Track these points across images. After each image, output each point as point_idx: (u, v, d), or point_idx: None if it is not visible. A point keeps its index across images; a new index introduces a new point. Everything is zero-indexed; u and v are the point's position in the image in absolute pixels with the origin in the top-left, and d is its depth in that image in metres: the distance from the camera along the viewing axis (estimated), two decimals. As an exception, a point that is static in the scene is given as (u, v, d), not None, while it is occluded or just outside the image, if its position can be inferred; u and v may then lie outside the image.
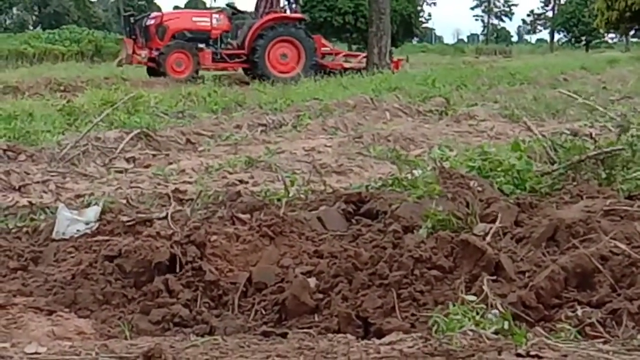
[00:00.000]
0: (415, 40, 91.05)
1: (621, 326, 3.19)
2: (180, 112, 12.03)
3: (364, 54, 28.53)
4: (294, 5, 25.77)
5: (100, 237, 4.87)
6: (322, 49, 25.92)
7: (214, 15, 24.96)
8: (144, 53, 23.53)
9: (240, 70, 25.92)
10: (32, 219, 5.73)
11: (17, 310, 3.67)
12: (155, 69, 23.42)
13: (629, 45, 78.81)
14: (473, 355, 2.81)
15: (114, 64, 23.56)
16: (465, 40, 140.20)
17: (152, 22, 24.24)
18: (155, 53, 23.44)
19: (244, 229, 4.66)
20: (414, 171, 6.20)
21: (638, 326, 3.18)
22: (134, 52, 23.73)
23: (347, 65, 25.53)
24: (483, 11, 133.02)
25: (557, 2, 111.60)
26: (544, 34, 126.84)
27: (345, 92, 15.37)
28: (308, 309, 3.69)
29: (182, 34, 24.06)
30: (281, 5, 25.53)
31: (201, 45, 23.85)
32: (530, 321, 3.35)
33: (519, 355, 2.81)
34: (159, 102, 12.54)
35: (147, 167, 8.26)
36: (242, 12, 26.19)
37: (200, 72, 24.11)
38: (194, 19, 24.89)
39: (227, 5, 27.58)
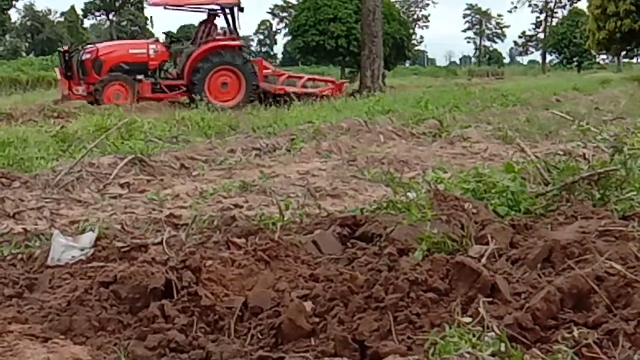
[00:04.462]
0: (407, 63, 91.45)
1: (618, 347, 3.19)
2: (174, 137, 12.05)
3: (309, 77, 28.17)
4: (232, 30, 25.08)
5: (95, 264, 4.86)
6: (264, 71, 25.41)
7: (150, 46, 24.37)
8: (81, 89, 23.01)
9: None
10: (27, 246, 5.71)
11: (13, 337, 3.65)
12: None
13: (621, 66, 79.23)
14: (470, 377, 2.81)
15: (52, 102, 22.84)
16: (458, 62, 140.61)
17: (88, 56, 23.66)
18: (92, 88, 22.86)
19: (240, 253, 4.65)
20: (409, 194, 6.20)
21: (634, 347, 3.18)
22: (70, 89, 23.16)
23: (290, 89, 24.86)
24: (475, 33, 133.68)
25: (548, 23, 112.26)
26: (536, 56, 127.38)
27: (339, 115, 15.42)
28: (304, 332, 3.68)
29: (119, 66, 23.44)
30: (219, 31, 25.09)
31: (140, 77, 23.35)
32: (526, 343, 3.34)
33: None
34: (152, 128, 12.55)
35: (141, 192, 8.24)
36: (179, 40, 25.90)
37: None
38: (131, 50, 24.30)
39: (165, 33, 27.16)
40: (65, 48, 24.91)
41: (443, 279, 3.90)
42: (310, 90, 25.36)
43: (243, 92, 24.09)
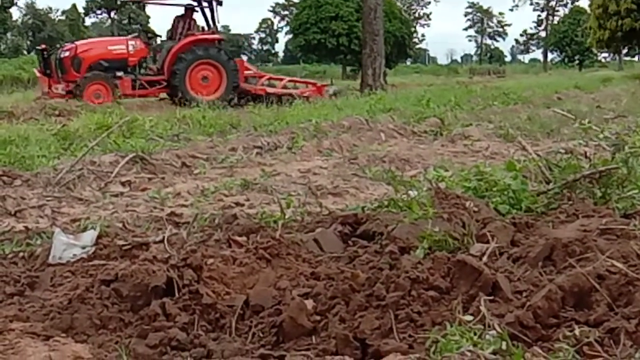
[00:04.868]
0: (409, 61, 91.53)
1: (619, 345, 3.19)
2: (175, 135, 12.04)
3: (290, 78, 28.12)
4: (212, 26, 25.12)
5: (96, 262, 4.86)
6: (245, 72, 25.44)
7: (129, 42, 24.37)
8: (61, 87, 22.93)
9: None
10: (28, 244, 5.72)
11: (14, 335, 3.66)
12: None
13: (622, 64, 79.24)
14: (471, 376, 2.81)
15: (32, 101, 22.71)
16: (459, 60, 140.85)
17: (67, 54, 23.61)
18: (72, 86, 22.75)
19: (241, 251, 4.65)
20: (410, 192, 6.20)
21: (636, 345, 3.18)
22: (50, 87, 23.13)
23: (270, 90, 24.88)
24: (476, 32, 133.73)
25: (549, 22, 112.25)
26: (537, 54, 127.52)
27: (340, 113, 15.40)
28: (305, 331, 3.68)
29: (99, 63, 23.35)
30: (199, 28, 25.16)
31: (119, 74, 23.32)
32: (528, 341, 3.34)
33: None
34: (153, 126, 12.54)
35: (142, 190, 8.24)
36: (159, 36, 25.88)
37: None
38: (110, 47, 24.19)
39: (142, 30, 27.06)
40: (43, 47, 24.88)
41: (444, 277, 3.90)
42: (290, 91, 25.32)
43: (224, 87, 24.08)
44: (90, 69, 23.28)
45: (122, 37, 26.87)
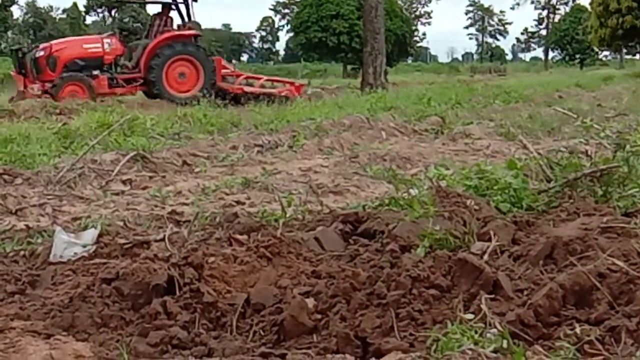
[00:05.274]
0: (410, 60, 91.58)
1: (620, 344, 3.19)
2: (176, 133, 12.05)
3: (267, 78, 28.08)
4: (187, 22, 25.01)
5: (97, 260, 4.86)
6: (223, 70, 25.36)
7: (104, 40, 24.25)
8: (37, 87, 22.66)
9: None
10: (29, 243, 5.72)
11: (15, 334, 3.65)
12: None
13: (623, 63, 79.23)
14: (472, 374, 2.81)
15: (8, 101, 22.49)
16: (460, 59, 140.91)
17: (42, 53, 23.44)
18: (48, 85, 22.63)
19: (242, 250, 4.65)
20: (411, 190, 6.19)
21: (637, 343, 3.18)
22: (25, 87, 22.96)
23: (248, 89, 24.82)
24: (477, 30, 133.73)
25: (550, 20, 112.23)
26: (538, 52, 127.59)
27: (341, 112, 15.41)
28: (306, 329, 3.68)
29: (74, 62, 23.24)
30: (174, 26, 25.06)
31: (95, 72, 23.24)
32: (529, 340, 3.34)
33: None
34: (154, 124, 12.55)
35: (143, 189, 8.25)
36: (135, 33, 25.74)
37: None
38: (85, 45, 24.09)
39: (119, 28, 27.03)
40: (18, 47, 24.81)
41: (445, 275, 3.90)
42: (268, 90, 25.27)
43: (201, 84, 24.00)
44: (65, 68, 23.20)
45: (97, 36, 26.69)
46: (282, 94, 24.37)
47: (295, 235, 5.12)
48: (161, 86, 23.60)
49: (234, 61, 46.85)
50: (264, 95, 23.62)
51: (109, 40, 24.28)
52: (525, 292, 3.71)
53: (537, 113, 15.35)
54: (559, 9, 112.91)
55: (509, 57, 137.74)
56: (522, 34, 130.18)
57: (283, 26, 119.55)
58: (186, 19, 24.98)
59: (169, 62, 23.93)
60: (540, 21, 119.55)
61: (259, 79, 26.95)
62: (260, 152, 10.68)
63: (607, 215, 4.87)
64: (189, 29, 24.80)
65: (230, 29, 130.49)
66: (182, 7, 24.93)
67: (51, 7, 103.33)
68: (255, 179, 8.38)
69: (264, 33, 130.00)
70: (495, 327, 3.28)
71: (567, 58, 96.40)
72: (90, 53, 23.71)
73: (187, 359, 3.36)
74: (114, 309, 4.00)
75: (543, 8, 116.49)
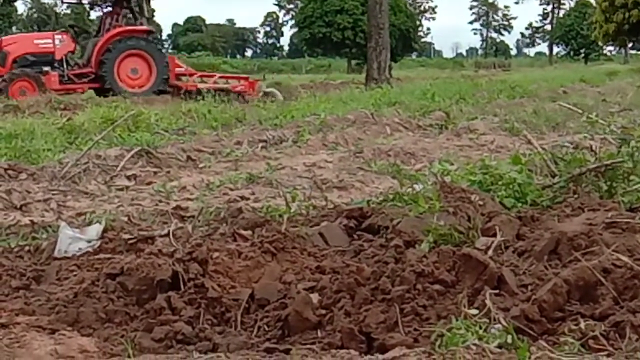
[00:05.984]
0: (414, 55, 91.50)
1: (624, 339, 3.19)
2: (180, 129, 12.06)
3: (221, 75, 28.17)
4: (138, 20, 25.01)
5: (102, 255, 4.87)
6: (176, 69, 25.34)
7: (56, 37, 24.14)
8: None
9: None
10: (34, 238, 5.72)
11: (20, 329, 3.66)
12: None
13: (628, 57, 79.12)
14: (477, 369, 2.81)
15: None
16: (465, 54, 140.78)
17: None
18: None
19: (246, 245, 4.66)
20: (415, 186, 6.19)
21: (641, 339, 3.18)
22: None
23: (202, 85, 24.44)
24: (482, 25, 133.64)
25: (555, 15, 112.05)
26: (543, 47, 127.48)
27: (345, 107, 15.40)
28: (311, 324, 3.69)
29: (24, 58, 23.15)
30: (123, 23, 24.99)
31: (46, 68, 23.10)
32: (533, 335, 3.34)
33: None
34: (159, 120, 12.57)
35: (148, 184, 8.25)
36: (88, 32, 25.77)
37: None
38: (36, 41, 24.02)
39: (71, 25, 26.88)
40: None
41: (450, 271, 3.90)
42: (222, 86, 25.12)
43: (154, 79, 24.07)
44: (15, 63, 23.11)
45: (48, 32, 26.64)
46: (236, 89, 24.36)
47: (299, 230, 5.12)
48: (112, 80, 23.49)
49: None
50: (218, 91, 23.52)
51: (60, 37, 24.21)
52: (530, 288, 3.71)
53: (542, 108, 15.33)
54: (563, 4, 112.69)
55: (514, 52, 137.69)
56: (526, 29, 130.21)
57: (287, 21, 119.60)
58: (137, 15, 24.99)
59: (121, 56, 23.88)
60: (544, 16, 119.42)
61: (213, 76, 27.03)
62: (264, 148, 10.68)
63: (612, 211, 4.86)
64: (141, 23, 24.83)
65: (235, 24, 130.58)
66: (133, 3, 24.98)
67: (55, 2, 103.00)
68: (260, 174, 8.37)
69: (268, 28, 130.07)
70: (500, 322, 3.28)
71: (571, 53, 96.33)
72: (41, 49, 23.62)
73: (191, 354, 3.37)
74: (119, 304, 4.01)
75: (548, 3, 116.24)
